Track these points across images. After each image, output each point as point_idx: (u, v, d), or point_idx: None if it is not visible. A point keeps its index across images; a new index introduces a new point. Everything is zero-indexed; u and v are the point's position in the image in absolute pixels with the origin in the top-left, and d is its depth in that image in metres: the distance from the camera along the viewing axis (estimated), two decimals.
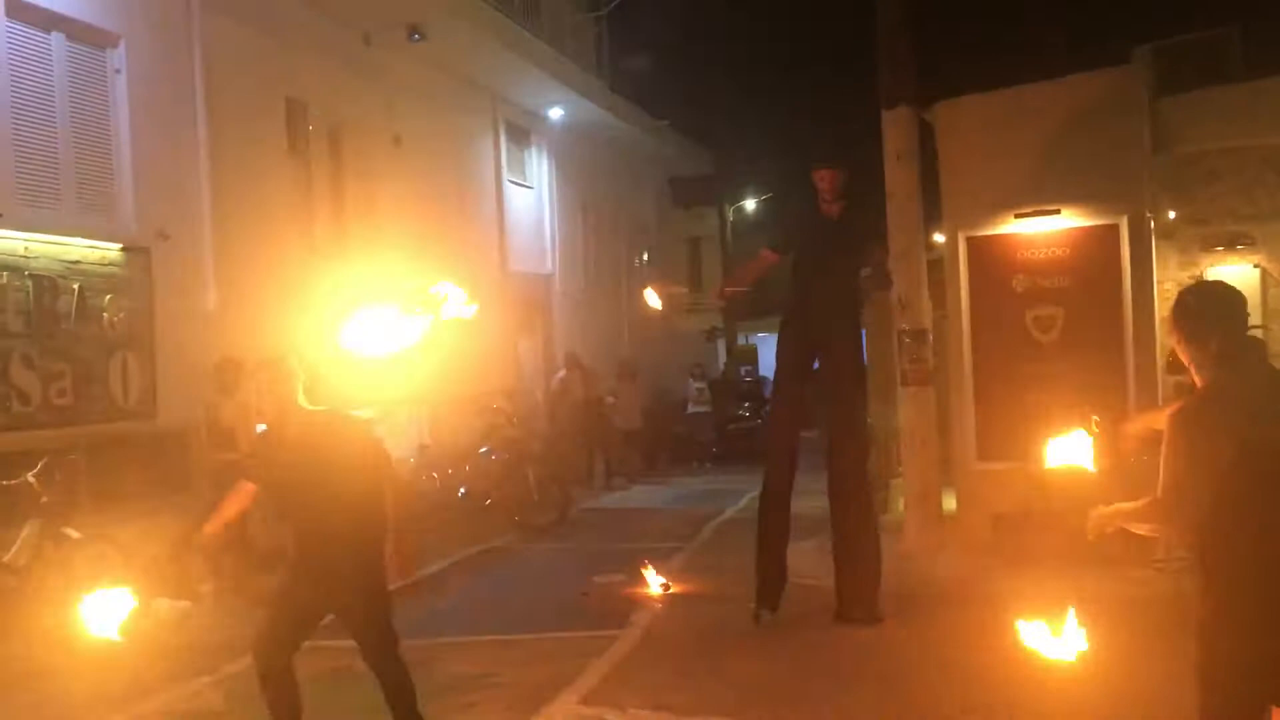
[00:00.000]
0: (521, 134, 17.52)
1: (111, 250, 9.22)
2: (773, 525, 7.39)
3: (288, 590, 4.82)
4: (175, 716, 5.96)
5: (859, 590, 7.19)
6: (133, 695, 6.27)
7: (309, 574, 4.71)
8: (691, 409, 18.84)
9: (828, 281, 7.26)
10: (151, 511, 8.92)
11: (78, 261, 8.89)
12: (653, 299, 8.28)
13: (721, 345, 25.85)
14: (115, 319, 9.14)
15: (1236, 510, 3.18)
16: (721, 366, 24.54)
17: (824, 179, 7.26)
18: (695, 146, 24.01)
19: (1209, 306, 3.38)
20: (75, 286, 8.80)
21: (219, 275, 10.27)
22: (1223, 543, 3.24)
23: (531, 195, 17.76)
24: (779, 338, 7.63)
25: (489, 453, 12.27)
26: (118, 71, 9.51)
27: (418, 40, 13.02)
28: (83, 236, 8.97)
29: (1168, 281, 10.98)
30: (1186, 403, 3.42)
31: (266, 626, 4.81)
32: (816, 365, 7.45)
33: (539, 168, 18.08)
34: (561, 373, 16.57)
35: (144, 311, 9.47)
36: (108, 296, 9.08)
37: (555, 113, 17.84)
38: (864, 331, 8.34)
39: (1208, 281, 3.73)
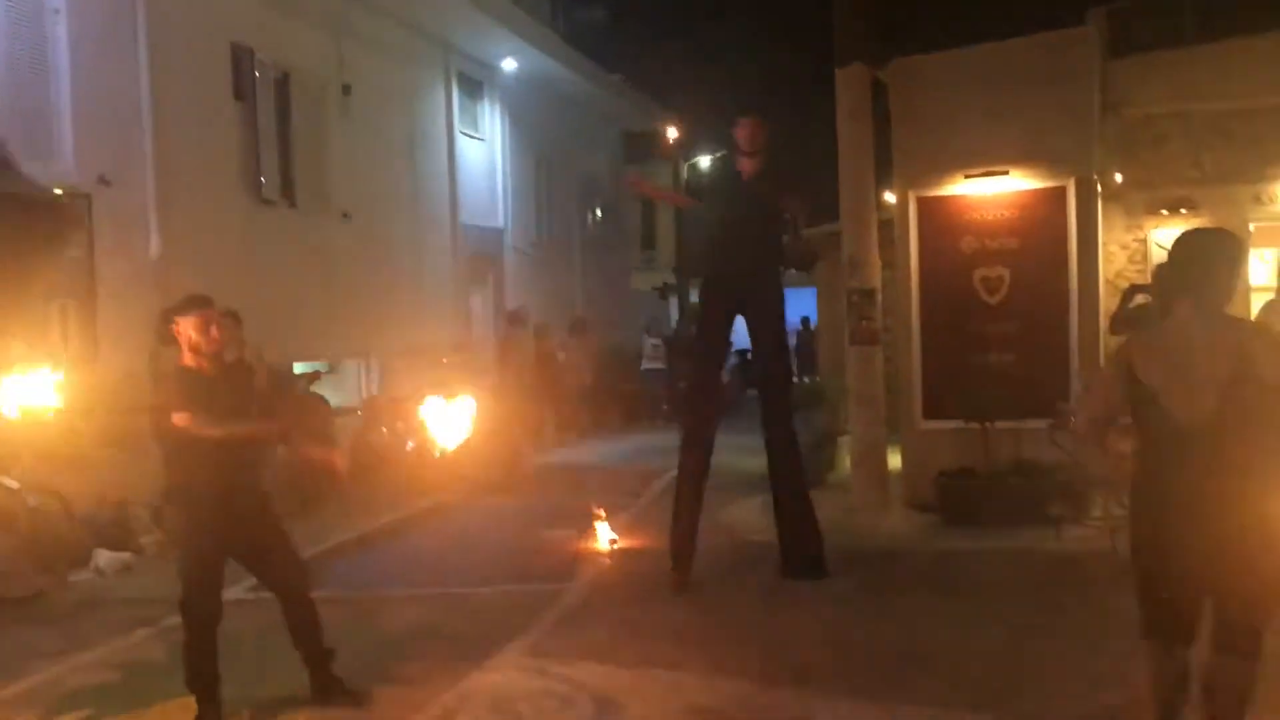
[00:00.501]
0: (474, 85, 17.29)
1: (51, 195, 9.00)
2: (687, 492, 7.31)
3: (188, 538, 4.94)
4: (114, 668, 5.91)
5: (802, 546, 7.25)
6: (71, 647, 6.22)
7: (201, 518, 4.85)
8: (646, 365, 18.84)
9: (744, 239, 7.14)
10: (93, 462, 8.79)
11: None
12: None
13: (675, 302, 25.84)
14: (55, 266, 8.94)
15: (1142, 433, 3.77)
16: (674, 323, 24.55)
17: (743, 129, 7.12)
18: (649, 101, 23.83)
19: (1177, 253, 3.79)
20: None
21: (162, 222, 10.08)
22: (1136, 461, 3.81)
23: (484, 148, 17.57)
24: (700, 294, 7.58)
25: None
26: (56, 11, 9.23)
27: None
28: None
29: (1113, 244, 11.11)
30: (1133, 337, 3.98)
31: (183, 580, 4.91)
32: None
33: (491, 120, 17.87)
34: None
35: (85, 258, 9.27)
36: None
37: (508, 64, 17.61)
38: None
39: (1195, 229, 4.09)
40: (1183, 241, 3.83)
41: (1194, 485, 3.59)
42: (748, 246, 7.16)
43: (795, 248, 7.35)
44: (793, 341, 22.42)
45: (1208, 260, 3.70)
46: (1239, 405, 3.53)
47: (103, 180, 9.46)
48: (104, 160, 9.52)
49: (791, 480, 7.36)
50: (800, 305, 25.81)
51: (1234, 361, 3.54)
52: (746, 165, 7.20)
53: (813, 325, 23.89)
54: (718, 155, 7.33)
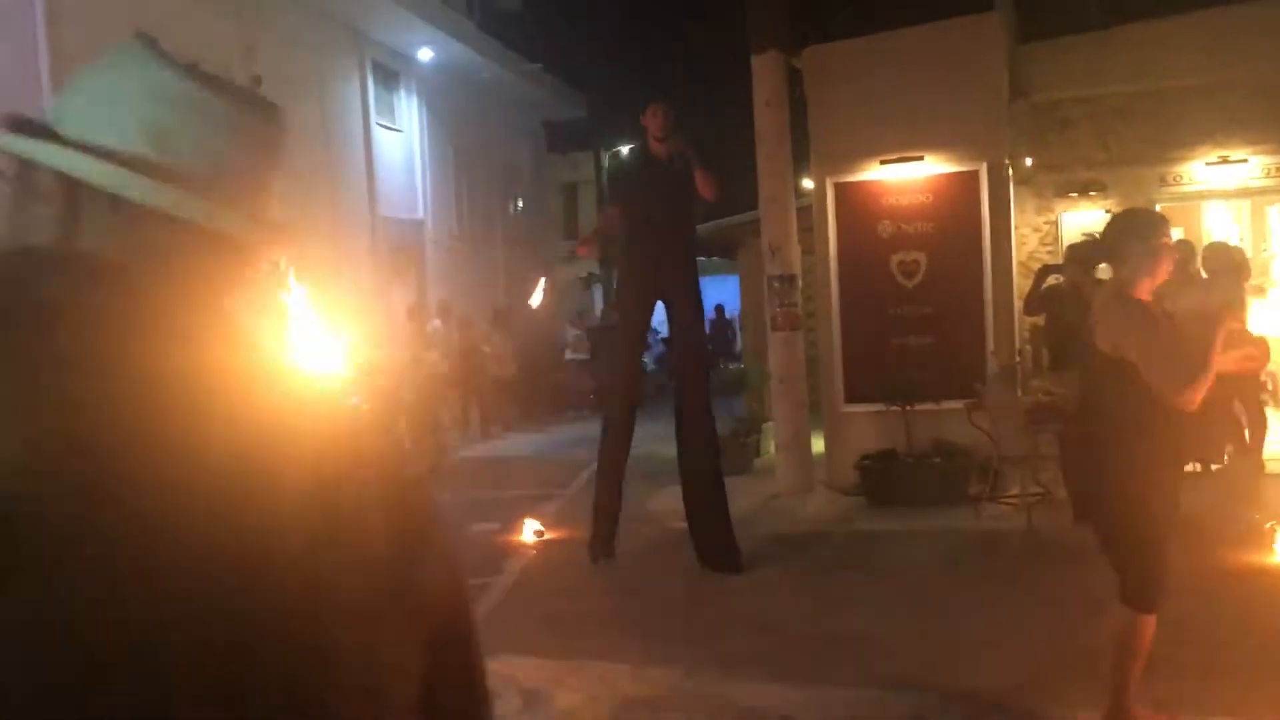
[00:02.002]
0: (390, 76, 17.05)
1: None
2: (606, 481, 7.36)
3: None
4: None
5: (714, 539, 7.25)
6: None
7: None
8: (570, 356, 18.80)
9: (663, 225, 7.12)
10: None
11: None
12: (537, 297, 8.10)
13: (599, 291, 25.82)
14: None
15: None
16: (599, 313, 24.53)
17: (655, 115, 7.11)
18: (569, 90, 23.73)
19: (1103, 231, 4.11)
20: None
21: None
22: None
23: (401, 139, 17.34)
24: (618, 285, 7.54)
25: (359, 403, 12.04)
26: None
27: None
28: None
29: (1025, 227, 11.34)
30: None
31: None
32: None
33: (409, 111, 17.64)
34: (435, 321, 16.33)
35: None
36: None
37: (425, 54, 17.38)
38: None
39: (1122, 210, 4.49)
40: (1108, 222, 4.15)
41: (1067, 445, 4.05)
42: (664, 233, 7.15)
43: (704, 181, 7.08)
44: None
45: (1117, 237, 3.91)
46: (1087, 370, 3.91)
47: (2, 175, 9.15)
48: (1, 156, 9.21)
49: (706, 473, 7.34)
50: (722, 292, 25.95)
51: (1090, 329, 3.86)
52: (659, 149, 7.19)
53: (728, 313, 23.98)
54: (632, 147, 7.23)
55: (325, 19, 14.71)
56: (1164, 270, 3.88)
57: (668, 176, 7.13)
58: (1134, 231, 3.88)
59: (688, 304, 7.34)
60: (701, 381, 7.52)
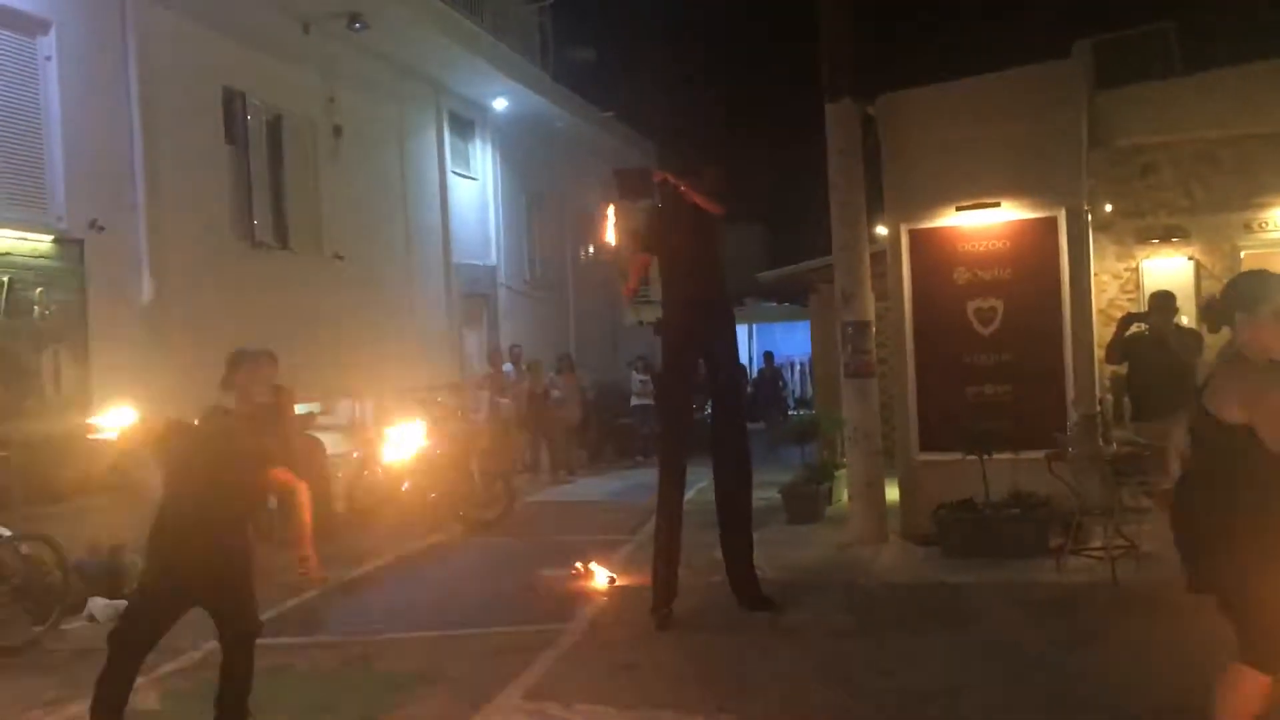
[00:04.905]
0: (465, 125, 17.38)
1: (43, 242, 9.00)
2: (664, 530, 7.37)
3: (147, 580, 5.07)
4: None
5: (745, 581, 7.36)
6: (66, 696, 6.13)
7: (164, 563, 4.93)
8: (635, 401, 18.79)
9: (696, 272, 7.29)
10: (88, 509, 8.74)
11: (7, 253, 8.67)
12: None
13: None
14: (47, 312, 8.93)
15: None
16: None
17: (664, 180, 7.39)
18: (640, 137, 23.95)
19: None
20: (4, 279, 8.59)
21: (155, 267, 10.07)
22: None
23: (476, 187, 17.62)
24: (663, 339, 7.60)
25: (433, 447, 12.15)
26: (48, 59, 9.28)
27: (359, 29, 12.86)
28: (12, 228, 8.74)
29: (1104, 274, 11.16)
30: None
31: (126, 611, 5.07)
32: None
33: (483, 159, 17.94)
34: (508, 366, 16.48)
35: (77, 304, 9.26)
36: (39, 289, 8.87)
37: (499, 104, 17.71)
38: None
39: (1240, 273, 4.24)
40: (1227, 284, 4.02)
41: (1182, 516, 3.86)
42: (702, 279, 7.33)
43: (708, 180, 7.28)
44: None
45: (1238, 300, 3.81)
46: (1201, 438, 3.77)
47: (95, 226, 9.47)
48: (96, 206, 9.53)
49: (739, 513, 7.46)
50: (788, 340, 25.70)
51: (1204, 394, 3.75)
52: (685, 197, 7.31)
53: (779, 360, 23.57)
54: (655, 202, 7.45)
55: (404, 71, 15.06)
56: None
57: (694, 222, 7.28)
58: (1257, 295, 3.75)
59: (725, 349, 7.48)
60: (737, 420, 7.61)
